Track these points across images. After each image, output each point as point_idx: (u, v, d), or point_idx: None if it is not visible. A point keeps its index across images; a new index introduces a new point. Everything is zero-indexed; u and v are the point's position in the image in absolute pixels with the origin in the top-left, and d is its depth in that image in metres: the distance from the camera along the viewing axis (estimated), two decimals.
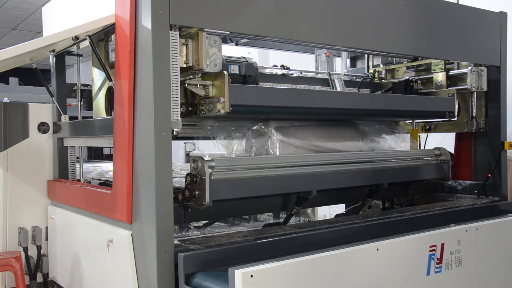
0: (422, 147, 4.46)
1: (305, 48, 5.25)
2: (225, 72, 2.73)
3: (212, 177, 2.69)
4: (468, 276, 3.17)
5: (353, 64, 6.31)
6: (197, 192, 2.71)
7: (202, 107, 2.82)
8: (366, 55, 4.93)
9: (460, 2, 4.48)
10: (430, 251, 2.95)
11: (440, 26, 3.67)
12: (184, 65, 2.68)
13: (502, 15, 4.11)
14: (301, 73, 4.34)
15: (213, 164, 2.73)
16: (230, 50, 4.02)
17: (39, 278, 3.89)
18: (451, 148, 4.57)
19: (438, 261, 2.97)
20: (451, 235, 3.09)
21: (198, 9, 2.59)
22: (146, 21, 2.52)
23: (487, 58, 4.01)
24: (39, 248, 3.85)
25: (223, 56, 2.91)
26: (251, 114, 3.13)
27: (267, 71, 4.11)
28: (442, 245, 3.00)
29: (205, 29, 2.65)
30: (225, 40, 4.10)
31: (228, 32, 2.93)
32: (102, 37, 3.51)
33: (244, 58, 3.63)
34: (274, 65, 4.22)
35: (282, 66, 4.21)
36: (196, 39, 2.65)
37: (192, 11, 2.58)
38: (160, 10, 2.47)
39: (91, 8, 3.23)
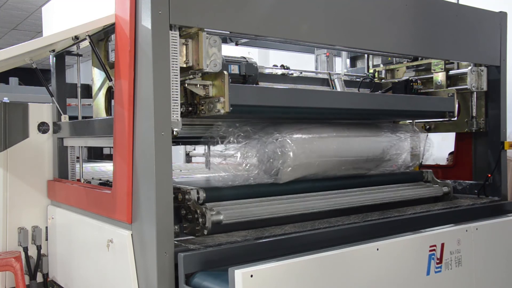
0: (422, 147, 4.45)
1: (305, 48, 5.25)
2: (225, 72, 2.72)
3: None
4: (468, 276, 3.17)
5: (353, 64, 6.31)
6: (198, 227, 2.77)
7: (202, 107, 2.82)
8: (366, 55, 4.93)
9: (460, 2, 4.48)
10: (430, 251, 2.94)
11: (440, 26, 3.67)
12: (184, 65, 2.67)
13: (502, 15, 4.10)
14: (301, 73, 4.35)
15: (221, 218, 2.78)
16: (230, 50, 4.02)
17: (39, 278, 3.89)
18: (451, 148, 4.57)
19: (438, 261, 2.97)
20: (451, 235, 3.09)
21: (198, 9, 2.59)
22: (146, 21, 2.51)
23: (487, 58, 4.01)
24: (39, 248, 3.86)
25: (223, 56, 2.91)
26: (251, 114, 3.12)
27: (267, 71, 4.11)
28: (442, 245, 3.00)
29: (205, 29, 2.64)
30: (225, 40, 4.09)
31: (228, 32, 2.93)
32: (102, 37, 3.50)
33: (244, 58, 3.63)
34: (274, 65, 4.22)
35: (282, 66, 4.21)
36: (196, 39, 2.65)
37: (192, 11, 2.58)
38: (160, 10, 2.47)
39: (91, 8, 3.22)
